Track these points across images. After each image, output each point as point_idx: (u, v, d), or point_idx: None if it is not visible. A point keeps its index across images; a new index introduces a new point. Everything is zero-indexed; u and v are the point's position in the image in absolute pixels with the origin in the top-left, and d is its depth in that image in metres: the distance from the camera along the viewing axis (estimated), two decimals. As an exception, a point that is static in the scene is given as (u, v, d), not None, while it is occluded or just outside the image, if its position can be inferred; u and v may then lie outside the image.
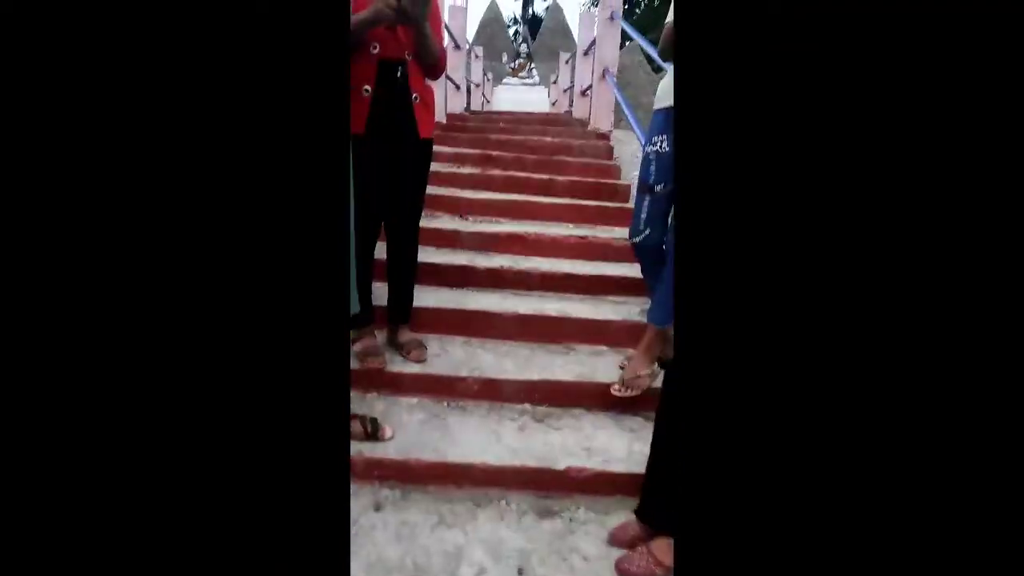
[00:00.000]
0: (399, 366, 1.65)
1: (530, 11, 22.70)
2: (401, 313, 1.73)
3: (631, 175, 2.84)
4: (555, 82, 8.99)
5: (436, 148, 2.15)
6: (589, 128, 3.82)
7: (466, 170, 2.92)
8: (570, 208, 2.60)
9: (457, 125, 4.00)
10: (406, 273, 1.70)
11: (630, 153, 3.22)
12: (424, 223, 1.87)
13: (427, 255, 2.05)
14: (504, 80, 9.10)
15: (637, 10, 16.95)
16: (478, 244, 2.27)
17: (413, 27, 1.40)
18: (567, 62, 7.10)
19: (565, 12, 10.92)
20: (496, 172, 2.91)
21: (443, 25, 2.14)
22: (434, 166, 1.95)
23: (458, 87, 4.69)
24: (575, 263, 2.19)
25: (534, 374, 1.65)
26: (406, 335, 1.72)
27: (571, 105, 6.96)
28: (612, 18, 3.63)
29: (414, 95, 1.52)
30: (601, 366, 1.71)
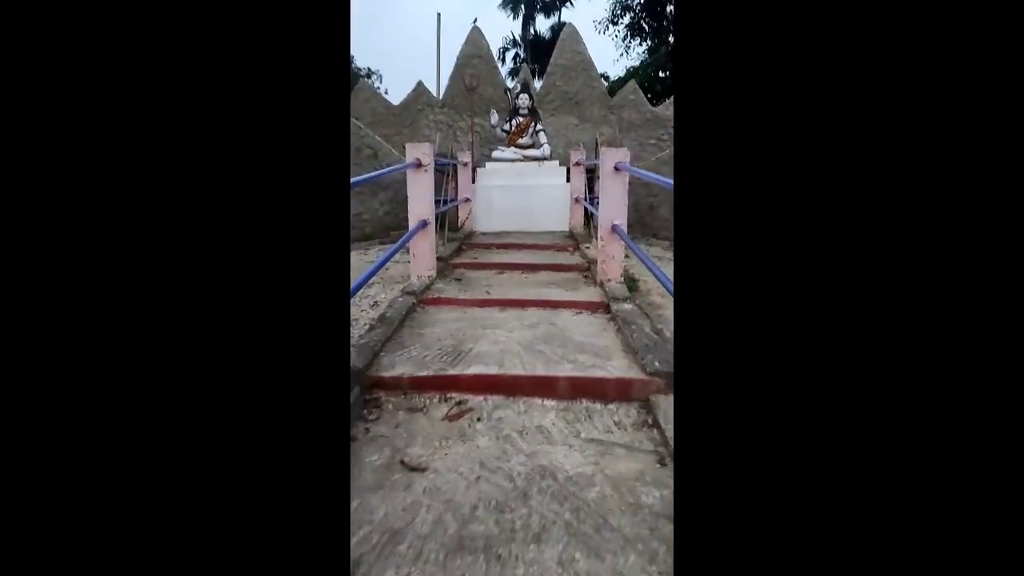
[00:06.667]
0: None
1: (532, 30, 17.17)
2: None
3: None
4: (578, 164, 5.25)
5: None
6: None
7: None
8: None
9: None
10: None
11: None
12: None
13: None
14: (496, 153, 5.71)
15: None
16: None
17: None
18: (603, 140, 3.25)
19: (584, 39, 7.02)
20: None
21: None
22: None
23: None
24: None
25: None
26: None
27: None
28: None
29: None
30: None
